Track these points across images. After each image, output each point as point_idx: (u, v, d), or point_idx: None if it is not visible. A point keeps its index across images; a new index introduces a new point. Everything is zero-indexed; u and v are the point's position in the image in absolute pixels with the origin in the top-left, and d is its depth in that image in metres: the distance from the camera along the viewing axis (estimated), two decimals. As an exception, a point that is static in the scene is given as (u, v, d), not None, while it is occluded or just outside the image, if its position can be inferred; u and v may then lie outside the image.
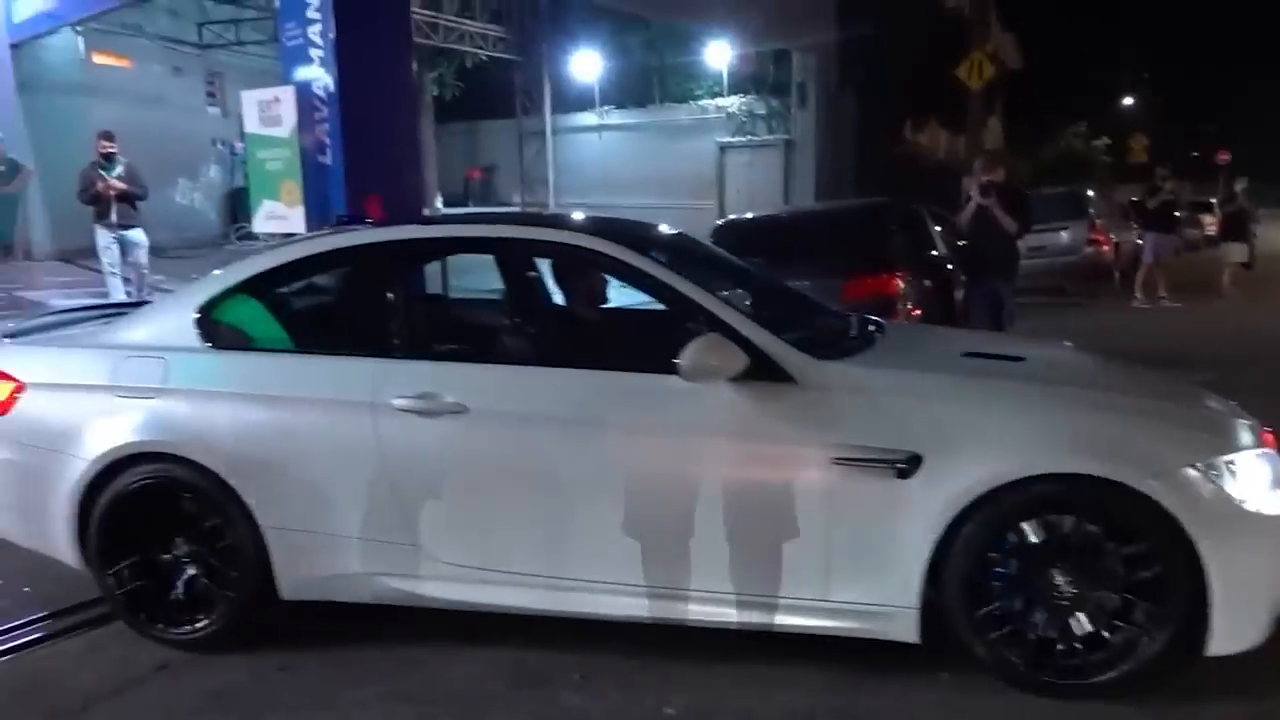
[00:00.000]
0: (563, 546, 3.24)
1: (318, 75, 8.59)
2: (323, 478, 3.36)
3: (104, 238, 10.72)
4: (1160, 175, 13.69)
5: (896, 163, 20.08)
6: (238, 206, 19.88)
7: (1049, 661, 2.93)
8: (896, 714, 2.92)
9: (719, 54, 20.07)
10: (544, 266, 4.27)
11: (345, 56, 8.46)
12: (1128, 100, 50.21)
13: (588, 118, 23.33)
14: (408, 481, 3.28)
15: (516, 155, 23.91)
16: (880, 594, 2.98)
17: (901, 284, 6.59)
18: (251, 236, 18.68)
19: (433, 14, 18.99)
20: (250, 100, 9.03)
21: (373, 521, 3.33)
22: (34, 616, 3.77)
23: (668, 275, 3.28)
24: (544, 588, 3.24)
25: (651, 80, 22.70)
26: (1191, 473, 2.82)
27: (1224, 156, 16.92)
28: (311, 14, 8.55)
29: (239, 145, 20.05)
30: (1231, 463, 2.87)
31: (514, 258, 4.20)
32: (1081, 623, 2.91)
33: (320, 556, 3.38)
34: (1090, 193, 16.07)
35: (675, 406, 3.09)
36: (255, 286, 3.71)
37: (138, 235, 10.79)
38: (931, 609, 2.97)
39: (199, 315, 3.57)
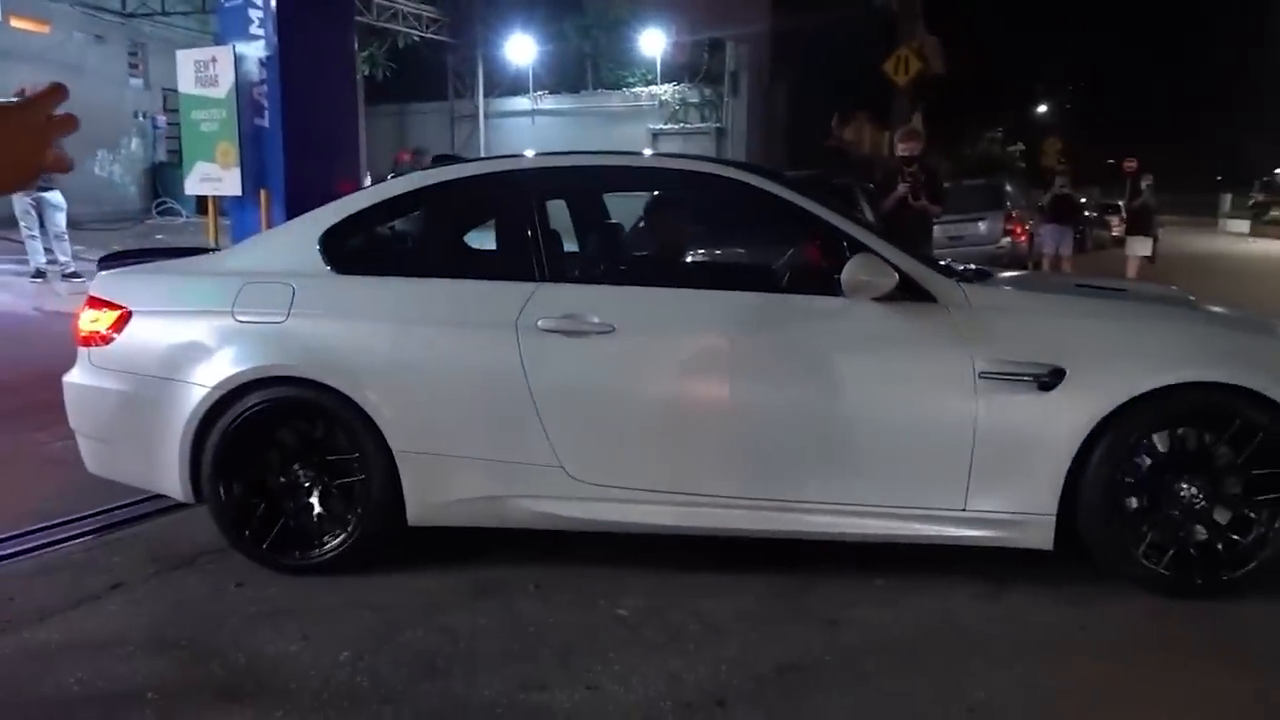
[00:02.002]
0: (714, 465, 3.32)
1: (257, 36, 8.55)
2: (461, 401, 3.36)
3: (20, 203, 10.48)
4: (1057, 172, 14.35)
5: (824, 154, 20.57)
6: (159, 181, 19.44)
7: (1187, 564, 3.16)
8: (836, 606, 3.14)
9: (653, 42, 20.28)
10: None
11: (285, 19, 8.44)
12: (1042, 108, 52.00)
13: (521, 102, 23.29)
14: (552, 402, 3.28)
15: (448, 139, 23.76)
16: (1019, 503, 3.15)
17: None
18: (173, 212, 18.41)
19: (366, -9, 18.80)
20: (186, 60, 8.94)
21: (514, 443, 3.33)
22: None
23: (813, 205, 3.46)
24: (691, 505, 3.29)
25: (585, 66, 22.79)
26: None
27: (1130, 164, 17.84)
28: (251, -27, 8.51)
29: (161, 118, 19.62)
30: None
31: (660, 190, 4.21)
32: (1215, 526, 3.15)
33: (454, 480, 3.36)
34: (1008, 186, 16.68)
35: (827, 324, 3.26)
36: (383, 213, 3.75)
37: (55, 197, 10.56)
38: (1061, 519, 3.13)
39: (324, 241, 3.55)
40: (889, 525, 3.23)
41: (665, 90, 21.04)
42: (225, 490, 3.43)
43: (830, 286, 3.21)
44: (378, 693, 2.65)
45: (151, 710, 2.58)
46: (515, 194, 3.64)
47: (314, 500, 3.45)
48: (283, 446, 3.45)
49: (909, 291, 3.19)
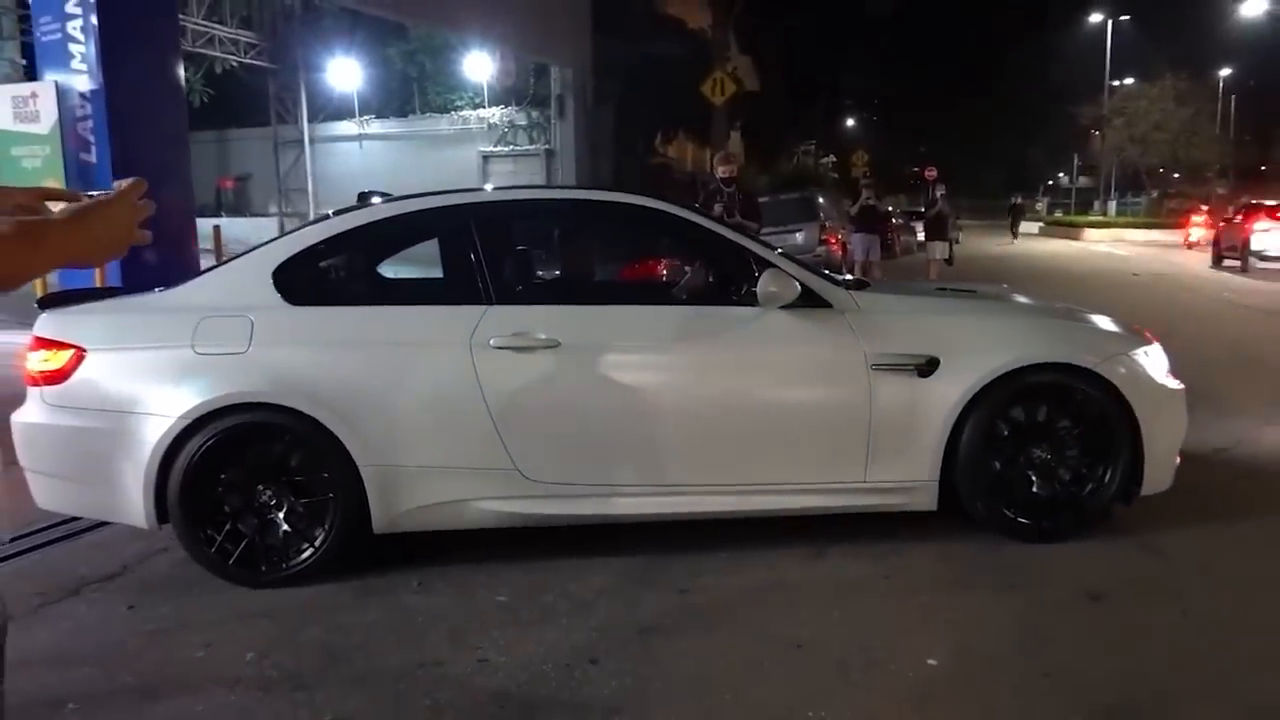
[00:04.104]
0: (655, 459, 3.78)
1: (79, 70, 8.43)
2: (421, 415, 3.68)
3: None
4: (862, 184, 15.59)
5: (649, 172, 21.39)
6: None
7: (1037, 513, 3.86)
8: (685, 577, 3.64)
9: (480, 66, 20.58)
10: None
11: (110, 52, 8.36)
12: (850, 122, 55.12)
13: (348, 126, 23.11)
14: (506, 412, 3.65)
15: (271, 165, 23.29)
16: (908, 473, 3.78)
17: (666, 269, 7.47)
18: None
19: (180, 17, 18.28)
20: (3, 95, 8.68)
21: (472, 451, 3.67)
22: None
23: (727, 231, 4.05)
24: (634, 495, 3.77)
25: (412, 90, 22.84)
26: (1126, 359, 3.91)
27: (930, 173, 19.46)
28: (71, 8, 8.38)
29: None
30: (1145, 353, 3.99)
31: (583, 220, 4.72)
32: (1058, 479, 3.87)
33: (417, 489, 3.67)
34: (821, 199, 17.88)
35: (745, 330, 3.79)
36: (333, 248, 3.99)
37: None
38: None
39: (277, 275, 3.77)
40: (805, 500, 3.83)
41: (494, 113, 21.38)
42: (192, 514, 3.62)
43: (745, 298, 3.78)
44: (288, 681, 2.96)
45: (76, 716, 2.80)
46: (460, 226, 4.02)
47: (280, 518, 3.70)
48: (248, 469, 3.68)
49: (810, 300, 3.78)
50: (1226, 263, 21.63)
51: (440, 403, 3.69)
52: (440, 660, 3.06)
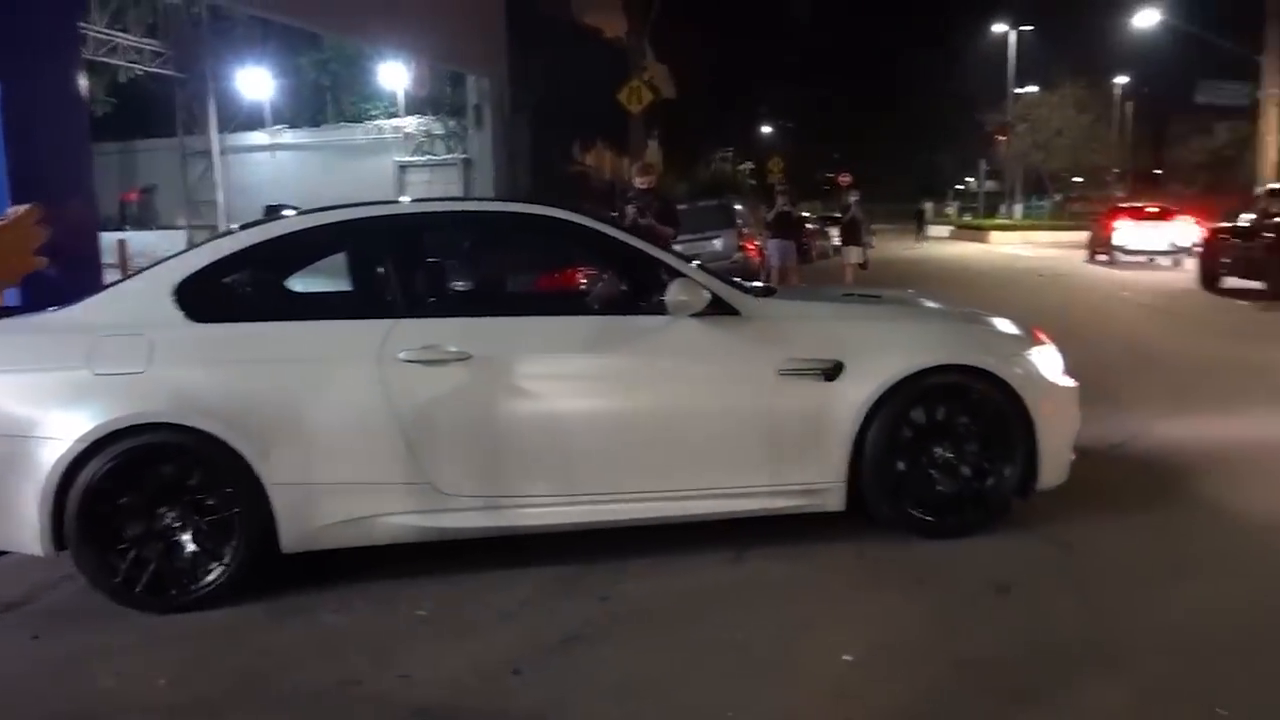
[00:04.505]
0: (568, 468, 3.76)
1: (-29, 79, 8.07)
2: (329, 432, 3.60)
3: None
4: (778, 191, 15.89)
5: (568, 180, 21.41)
6: None
7: (941, 510, 3.96)
8: (607, 584, 3.66)
9: (395, 75, 20.36)
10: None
11: (6, 61, 8.03)
12: (766, 129, 55.93)
13: (259, 137, 22.63)
14: (417, 425, 3.61)
15: (179, 176, 22.68)
16: (817, 475, 3.85)
17: (584, 279, 7.50)
18: None
19: (82, 25, 17.70)
20: (-111, 105, 8.27)
21: (383, 466, 3.62)
22: None
23: (637, 241, 4.10)
24: (550, 506, 3.75)
25: (326, 99, 22.48)
26: (1020, 359, 4.06)
27: (844, 179, 19.85)
28: (-39, 14, 8.03)
29: None
30: (1039, 353, 4.14)
31: (495, 231, 4.67)
32: (960, 477, 3.99)
33: (327, 506, 3.60)
34: (738, 206, 18.12)
35: (655, 339, 3.82)
36: (235, 263, 3.89)
37: None
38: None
39: (178, 292, 3.66)
40: (718, 505, 3.87)
41: (409, 123, 21.17)
42: (92, 539, 3.51)
43: (650, 307, 3.82)
44: (203, 707, 2.91)
45: (-21, 752, 2.72)
46: (368, 239, 3.99)
47: (186, 539, 3.60)
48: (150, 492, 3.57)
49: (718, 307, 3.83)
50: (1099, 258, 24.08)
51: (349, 418, 3.65)
52: (360, 678, 3.03)
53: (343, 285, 4.35)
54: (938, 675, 2.94)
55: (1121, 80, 50.87)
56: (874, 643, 3.16)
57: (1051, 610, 3.40)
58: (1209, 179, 40.64)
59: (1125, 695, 2.80)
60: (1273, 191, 15.46)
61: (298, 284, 4.48)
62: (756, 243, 16.70)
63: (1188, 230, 21.20)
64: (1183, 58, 35.87)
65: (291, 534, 3.63)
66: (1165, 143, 52.23)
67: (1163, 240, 22.46)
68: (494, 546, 3.90)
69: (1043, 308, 12.41)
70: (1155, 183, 48.08)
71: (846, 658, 3.05)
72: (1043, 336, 4.34)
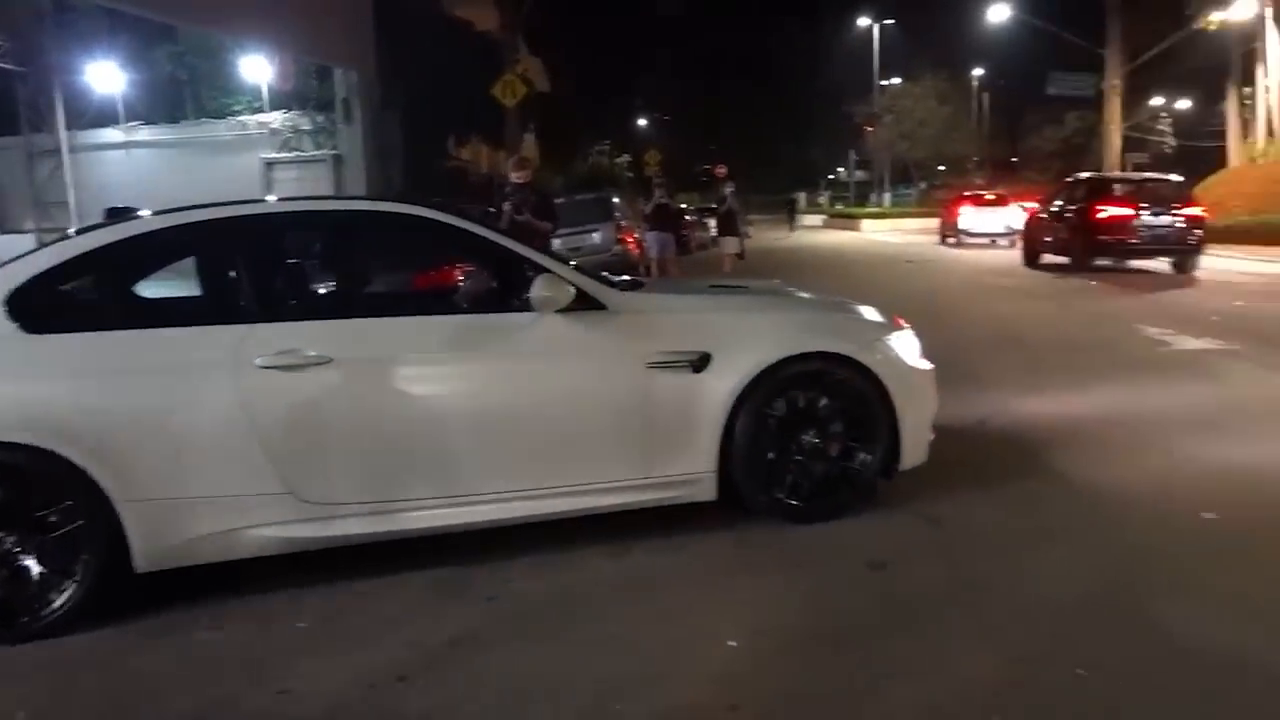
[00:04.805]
0: (436, 472, 3.67)
1: None
2: (182, 444, 3.43)
3: None
4: (655, 184, 16.04)
5: (443, 176, 21.09)
6: None
7: (809, 495, 4.06)
8: (493, 584, 3.63)
9: (258, 68, 19.65)
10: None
11: None
12: (642, 122, 56.27)
13: (112, 134, 21.49)
14: (276, 434, 3.47)
15: (25, 177, 21.35)
16: (688, 466, 3.90)
17: (462, 276, 7.41)
18: None
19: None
20: None
21: (241, 477, 3.47)
22: None
23: (498, 237, 4.03)
24: (422, 509, 3.66)
25: (184, 94, 21.52)
26: (880, 345, 4.19)
27: (720, 171, 20.22)
28: None
29: None
30: (897, 338, 4.25)
31: (354, 231, 4.41)
32: (826, 461, 4.09)
33: (183, 521, 3.43)
34: (616, 199, 18.19)
35: (521, 336, 3.77)
36: (73, 269, 3.67)
37: None
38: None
39: (9, 302, 3.43)
40: (594, 500, 3.87)
41: (275, 118, 20.46)
42: None
43: (517, 304, 3.78)
44: (68, 738, 2.77)
45: None
46: (219, 241, 3.82)
47: (32, 563, 3.39)
48: None
49: (584, 302, 3.82)
50: (948, 240, 27.49)
51: (202, 429, 3.50)
52: (237, 699, 2.93)
53: (196, 290, 4.15)
54: (818, 654, 3.04)
55: (979, 72, 53.11)
56: (756, 627, 3.24)
57: (924, 583, 3.54)
58: (1061, 166, 42.81)
59: (994, 661, 2.94)
60: (1077, 181, 18.22)
61: (151, 290, 4.26)
62: (635, 235, 16.80)
63: (1018, 215, 23.68)
64: (1035, 51, 37.76)
65: (145, 552, 3.47)
66: (1020, 132, 54.78)
67: (999, 224, 25.82)
68: (377, 553, 3.82)
69: (912, 292, 12.90)
70: (1012, 170, 50.45)
71: (731, 644, 3.12)
72: (901, 322, 4.51)
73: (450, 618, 3.41)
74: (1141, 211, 15.61)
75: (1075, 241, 16.31)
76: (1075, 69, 34.02)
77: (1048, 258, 17.57)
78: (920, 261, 20.61)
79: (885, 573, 3.65)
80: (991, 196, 28.12)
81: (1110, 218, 15.69)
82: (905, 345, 4.33)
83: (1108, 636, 3.08)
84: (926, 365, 4.38)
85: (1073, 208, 16.65)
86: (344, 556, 3.77)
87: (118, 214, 4.10)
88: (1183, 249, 15.65)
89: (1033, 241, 18.58)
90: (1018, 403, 6.27)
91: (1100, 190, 16.72)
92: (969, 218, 26.92)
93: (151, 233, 3.91)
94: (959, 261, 20.75)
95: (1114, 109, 31.72)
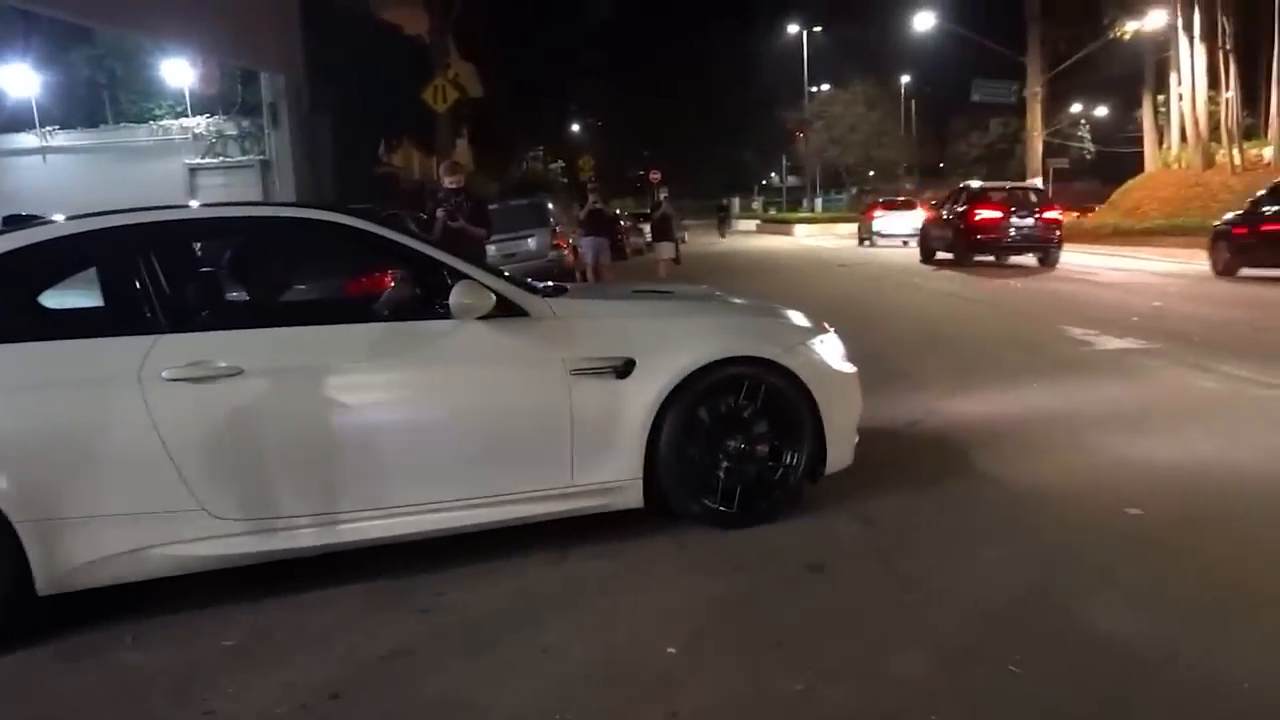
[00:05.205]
0: (351, 483, 3.57)
1: None
2: (86, 461, 3.30)
3: None
4: (590, 189, 16.04)
5: (375, 181, 20.78)
6: None
7: (735, 500, 4.05)
8: (428, 596, 3.57)
9: (180, 72, 19.12)
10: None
11: None
12: (576, 127, 56.21)
13: (27, 139, 20.73)
14: (186, 448, 3.35)
15: (-67, 183, 20.50)
16: (614, 472, 3.87)
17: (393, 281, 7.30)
18: None
19: None
20: None
21: (150, 494, 3.35)
22: None
23: (414, 242, 3.92)
24: (333, 523, 3.55)
25: (103, 98, 20.85)
26: (804, 349, 4.20)
27: (655, 176, 20.32)
28: None
29: None
30: (821, 342, 4.27)
31: (267, 238, 4.34)
32: (751, 465, 4.09)
33: (89, 541, 3.29)
34: (550, 204, 18.12)
35: (441, 343, 3.69)
36: None
37: None
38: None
39: None
40: (521, 509, 3.81)
41: (199, 123, 19.95)
42: None
43: (439, 311, 3.70)
44: (-21, 769, 2.64)
45: None
46: (121, 249, 3.66)
47: None
48: None
49: (506, 309, 3.76)
50: (864, 243, 30.73)
51: (108, 445, 3.37)
52: (162, 719, 2.83)
53: (103, 299, 4.00)
54: (757, 658, 3.03)
55: (906, 79, 54.13)
56: (695, 632, 3.22)
57: (860, 584, 3.57)
58: (987, 171, 43.86)
59: (929, 660, 2.97)
60: (958, 190, 21.14)
61: (58, 300, 4.08)
62: (570, 241, 16.75)
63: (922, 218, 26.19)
64: (960, 58, 38.64)
65: (47, 574, 3.31)
66: (947, 137, 55.98)
67: (908, 226, 28.25)
68: (310, 566, 3.73)
69: (849, 294, 13.06)
70: (940, 175, 51.49)
71: (670, 650, 3.10)
72: (825, 325, 4.55)
73: (384, 631, 3.33)
74: (1011, 215, 18.78)
75: (958, 240, 19.41)
76: (998, 76, 34.89)
77: (940, 255, 20.42)
78: (854, 264, 20.90)
79: (823, 574, 3.67)
80: (901, 201, 32.17)
81: (984, 220, 18.92)
82: (829, 347, 4.36)
83: (1039, 633, 3.13)
84: (850, 368, 4.40)
85: (957, 211, 19.65)
86: (274, 571, 3.67)
87: (18, 221, 3.89)
88: (1046, 246, 18.93)
89: (927, 240, 21.56)
90: (946, 403, 6.37)
91: (977, 197, 19.64)
92: (882, 221, 30.33)
93: (51, 241, 3.72)
94: (893, 265, 21.11)
95: (1035, 116, 32.59)
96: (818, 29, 52.05)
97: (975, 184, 21.70)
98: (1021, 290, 14.32)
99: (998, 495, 4.55)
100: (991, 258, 19.12)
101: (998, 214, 18.80)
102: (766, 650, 3.08)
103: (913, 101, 55.58)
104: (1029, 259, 19.24)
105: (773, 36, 56.30)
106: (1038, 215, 18.87)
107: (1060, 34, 33.74)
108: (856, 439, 4.35)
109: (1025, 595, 3.42)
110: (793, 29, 52.36)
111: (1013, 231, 18.67)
